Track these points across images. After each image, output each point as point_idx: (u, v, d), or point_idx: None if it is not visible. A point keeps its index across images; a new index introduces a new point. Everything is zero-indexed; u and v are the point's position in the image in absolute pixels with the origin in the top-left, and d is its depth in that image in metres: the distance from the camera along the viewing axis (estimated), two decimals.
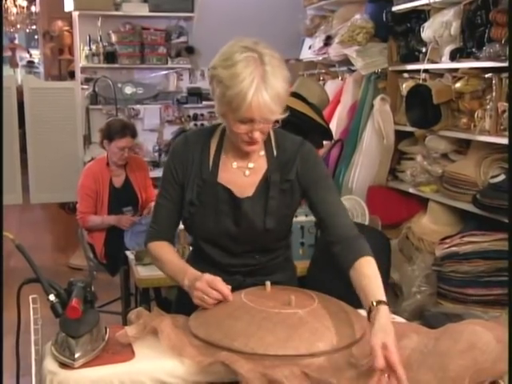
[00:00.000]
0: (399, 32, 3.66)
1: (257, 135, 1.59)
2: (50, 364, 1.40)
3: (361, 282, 1.51)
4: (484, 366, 1.35)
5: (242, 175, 1.72)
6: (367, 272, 1.53)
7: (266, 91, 1.50)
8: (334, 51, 4.14)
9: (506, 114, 2.82)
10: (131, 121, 4.64)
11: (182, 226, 1.83)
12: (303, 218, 2.89)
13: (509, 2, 2.58)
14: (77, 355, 1.38)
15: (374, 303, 1.41)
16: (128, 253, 3.19)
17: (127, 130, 3.76)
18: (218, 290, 1.55)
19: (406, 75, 3.66)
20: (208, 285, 1.55)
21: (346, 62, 4.14)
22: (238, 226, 1.71)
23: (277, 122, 1.60)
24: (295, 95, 3.30)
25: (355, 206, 3.31)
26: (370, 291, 1.46)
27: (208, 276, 1.58)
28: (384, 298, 1.43)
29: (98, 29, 5.33)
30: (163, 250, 1.78)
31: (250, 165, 1.72)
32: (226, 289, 1.55)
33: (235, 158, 1.72)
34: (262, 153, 1.72)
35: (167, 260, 1.75)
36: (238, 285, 1.69)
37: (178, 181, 1.73)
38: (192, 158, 1.72)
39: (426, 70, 3.41)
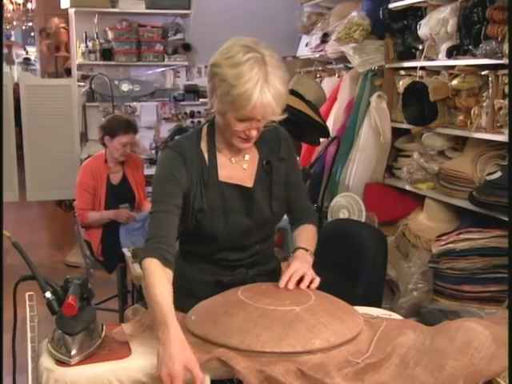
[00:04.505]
0: (396, 29, 3.66)
1: (254, 133, 1.61)
2: (46, 361, 1.40)
3: (295, 236, 1.84)
4: (479, 367, 1.35)
5: (241, 169, 1.74)
6: (302, 229, 1.84)
7: (268, 91, 1.52)
8: (331, 48, 4.15)
9: (502, 111, 2.82)
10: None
11: None
12: None
13: (509, 1, 2.58)
14: (73, 352, 1.38)
15: (296, 248, 1.75)
16: (125, 250, 3.19)
17: (130, 126, 3.75)
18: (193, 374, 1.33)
19: (402, 72, 3.66)
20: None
21: (342, 59, 4.14)
22: (250, 217, 1.72)
23: (273, 121, 1.61)
24: (292, 92, 3.29)
25: (352, 203, 3.31)
26: (298, 241, 1.79)
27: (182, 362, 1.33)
28: (304, 246, 1.76)
29: (94, 26, 5.31)
30: (160, 281, 1.51)
31: (247, 157, 1.75)
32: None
33: (231, 153, 1.73)
34: None
35: (157, 298, 1.46)
36: (242, 278, 1.74)
37: (182, 188, 1.65)
38: (190, 165, 1.68)
39: (422, 68, 3.41)
